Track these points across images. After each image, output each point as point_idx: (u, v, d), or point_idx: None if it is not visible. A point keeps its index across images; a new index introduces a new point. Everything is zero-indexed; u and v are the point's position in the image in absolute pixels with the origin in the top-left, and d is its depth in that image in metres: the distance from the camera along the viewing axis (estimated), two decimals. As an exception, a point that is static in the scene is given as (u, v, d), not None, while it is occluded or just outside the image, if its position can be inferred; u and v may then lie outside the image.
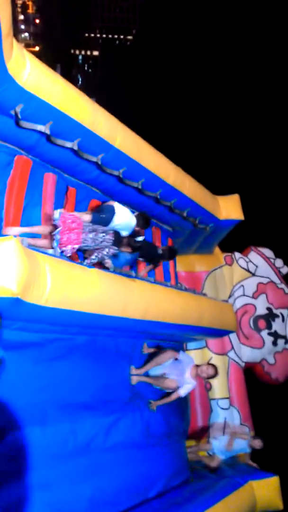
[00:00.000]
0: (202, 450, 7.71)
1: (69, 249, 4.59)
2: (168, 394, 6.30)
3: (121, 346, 5.96)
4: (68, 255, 4.59)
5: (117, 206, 5.66)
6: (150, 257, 6.76)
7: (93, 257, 5.00)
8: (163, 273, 7.67)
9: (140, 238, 6.26)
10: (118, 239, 5.25)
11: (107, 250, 5.07)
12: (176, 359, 6.22)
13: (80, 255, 5.53)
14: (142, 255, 6.46)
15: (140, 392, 6.17)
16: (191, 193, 7.13)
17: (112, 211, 5.54)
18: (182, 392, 6.00)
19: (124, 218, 5.71)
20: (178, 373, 6.07)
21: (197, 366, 6.18)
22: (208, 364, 6.32)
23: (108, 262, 5.38)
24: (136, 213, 6.09)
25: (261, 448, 7.54)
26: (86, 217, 5.13)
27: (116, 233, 5.31)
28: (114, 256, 5.56)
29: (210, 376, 6.12)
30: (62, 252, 4.57)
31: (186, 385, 6.00)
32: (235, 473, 7.43)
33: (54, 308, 3.74)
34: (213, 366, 6.16)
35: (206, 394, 8.39)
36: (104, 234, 5.00)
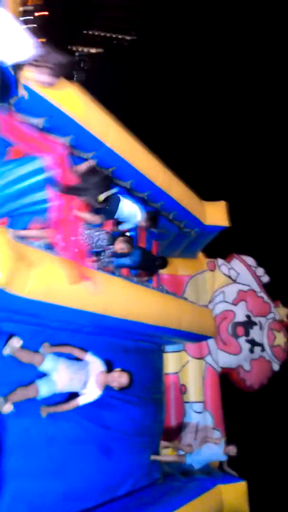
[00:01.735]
0: (175, 448, 7.66)
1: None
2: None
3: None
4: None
5: (121, 196, 5.84)
6: (148, 268, 6.90)
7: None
8: (130, 269, 7.66)
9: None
10: (112, 238, 5.60)
11: (105, 252, 5.44)
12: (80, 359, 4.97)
13: None
14: (141, 265, 6.58)
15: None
16: (179, 197, 7.19)
17: (117, 201, 5.75)
18: (81, 401, 4.78)
19: (130, 208, 5.88)
20: (79, 378, 4.79)
21: (107, 373, 4.98)
22: (121, 371, 5.03)
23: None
24: (148, 210, 6.24)
25: (235, 455, 7.46)
26: (96, 219, 5.25)
27: (109, 234, 5.54)
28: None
29: (123, 386, 4.96)
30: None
31: (89, 394, 4.80)
32: (204, 477, 7.51)
33: (36, 301, 3.75)
34: (127, 373, 5.02)
35: (180, 396, 8.45)
36: (98, 233, 5.31)
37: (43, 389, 4.50)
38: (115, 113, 5.66)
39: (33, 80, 3.42)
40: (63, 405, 4.77)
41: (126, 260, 6.19)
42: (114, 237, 5.82)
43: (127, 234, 6.37)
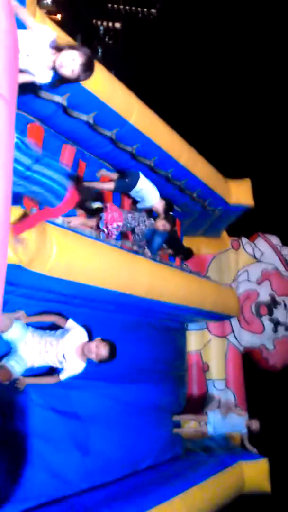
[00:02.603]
0: (197, 420, 7.68)
1: (114, 227, 5.29)
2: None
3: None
4: (115, 234, 5.32)
5: (141, 174, 5.90)
6: (176, 248, 7.01)
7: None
8: (169, 255, 7.70)
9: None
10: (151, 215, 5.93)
11: (143, 224, 5.68)
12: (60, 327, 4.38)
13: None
14: (171, 243, 6.73)
15: (138, 365, 6.28)
16: (203, 175, 7.11)
17: (137, 176, 5.88)
18: (62, 376, 4.21)
19: (147, 187, 6.00)
20: (55, 350, 4.17)
21: (87, 343, 4.27)
22: (101, 340, 4.24)
23: (148, 253, 5.80)
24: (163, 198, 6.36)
25: (257, 430, 7.41)
26: (110, 186, 5.83)
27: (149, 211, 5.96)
28: (148, 243, 6.11)
29: (101, 359, 4.22)
30: (108, 233, 5.29)
31: (70, 368, 4.20)
32: (226, 453, 7.59)
33: (57, 278, 3.79)
34: (107, 343, 4.24)
35: (203, 374, 8.50)
36: (139, 212, 5.75)
37: (16, 368, 3.97)
38: (139, 89, 5.59)
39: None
40: (44, 378, 4.32)
41: (159, 240, 6.40)
42: (154, 216, 6.15)
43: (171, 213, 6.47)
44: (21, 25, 2.94)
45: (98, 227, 5.39)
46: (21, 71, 3.08)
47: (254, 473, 7.44)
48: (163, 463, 6.54)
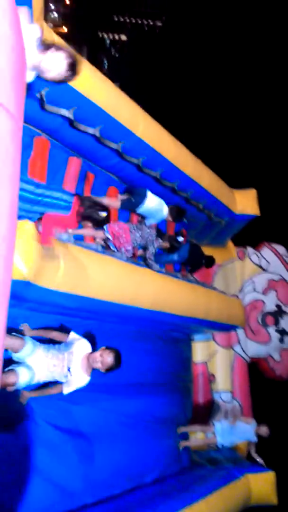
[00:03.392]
0: (204, 431, 7.58)
1: (123, 251, 5.52)
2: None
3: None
4: (129, 255, 5.58)
5: (149, 192, 5.96)
6: (193, 265, 7.12)
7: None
8: (173, 264, 7.71)
9: (180, 239, 6.76)
10: (160, 233, 6.07)
11: (153, 247, 5.87)
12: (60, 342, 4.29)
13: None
14: (188, 261, 6.88)
15: (143, 377, 6.25)
16: (208, 185, 7.13)
17: (143, 195, 6.03)
18: (66, 390, 4.10)
19: (154, 204, 6.09)
20: (61, 364, 4.08)
21: (91, 353, 4.20)
22: (105, 349, 4.17)
23: (155, 266, 5.91)
24: (170, 205, 6.40)
25: (267, 435, 7.27)
26: (116, 203, 5.97)
27: (157, 228, 6.07)
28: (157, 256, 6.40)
29: (108, 367, 4.13)
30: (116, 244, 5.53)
31: (74, 381, 4.08)
32: (232, 466, 7.52)
33: (65, 293, 3.80)
34: (111, 351, 4.17)
35: (209, 385, 8.46)
36: (149, 230, 5.85)
37: (23, 376, 3.86)
38: (144, 101, 5.63)
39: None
40: (47, 389, 4.23)
41: (174, 256, 6.74)
42: (161, 233, 6.29)
43: (180, 236, 6.91)
44: None
45: (106, 240, 5.47)
46: None
47: (261, 485, 7.36)
48: (169, 476, 6.49)
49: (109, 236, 5.47)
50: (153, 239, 5.91)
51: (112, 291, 4.41)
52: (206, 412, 8.32)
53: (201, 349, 8.53)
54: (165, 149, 5.95)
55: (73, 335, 4.23)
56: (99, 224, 4.96)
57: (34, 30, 3.00)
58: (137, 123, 5.32)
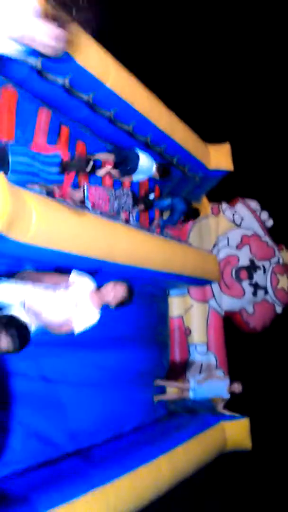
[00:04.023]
0: (180, 387, 7.79)
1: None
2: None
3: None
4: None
5: (140, 152, 6.27)
6: (188, 215, 7.76)
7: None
8: (148, 220, 7.70)
9: (151, 196, 6.91)
10: (135, 200, 6.24)
11: (132, 214, 6.28)
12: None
13: None
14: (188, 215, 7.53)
15: (121, 331, 6.34)
16: (182, 140, 7.03)
17: (137, 158, 6.19)
18: (77, 328, 3.76)
19: (146, 163, 6.34)
20: (67, 305, 3.72)
21: (100, 289, 3.92)
22: (115, 282, 3.90)
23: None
24: (157, 162, 6.50)
25: (240, 392, 7.51)
26: (116, 173, 6.23)
27: (134, 194, 6.27)
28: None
29: (121, 300, 3.87)
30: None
31: (84, 318, 3.77)
32: (208, 414, 7.81)
33: (38, 247, 3.74)
34: (125, 284, 3.93)
35: (185, 339, 8.64)
36: (126, 198, 6.04)
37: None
38: (115, 51, 5.42)
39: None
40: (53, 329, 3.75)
41: (176, 215, 7.45)
42: (136, 196, 6.50)
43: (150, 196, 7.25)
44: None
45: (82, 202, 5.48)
46: None
47: (236, 432, 7.69)
48: (148, 425, 6.71)
49: (89, 205, 5.51)
50: (129, 208, 6.14)
51: (86, 245, 4.38)
52: (182, 366, 8.53)
53: (177, 304, 8.65)
54: (137, 101, 5.81)
55: (74, 274, 3.94)
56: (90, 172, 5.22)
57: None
58: (107, 72, 5.15)
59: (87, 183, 5.71)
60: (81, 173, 5.17)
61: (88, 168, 5.04)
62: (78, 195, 5.44)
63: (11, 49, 2.91)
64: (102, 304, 3.86)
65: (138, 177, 6.51)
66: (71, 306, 3.70)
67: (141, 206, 6.69)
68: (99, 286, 3.87)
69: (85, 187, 5.51)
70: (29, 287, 3.68)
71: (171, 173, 7.06)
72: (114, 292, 3.82)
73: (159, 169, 6.59)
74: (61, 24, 2.91)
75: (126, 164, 6.19)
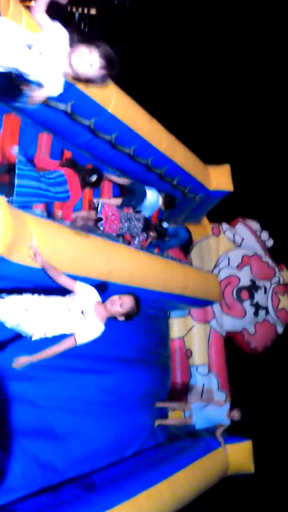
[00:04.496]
0: (181, 409, 7.69)
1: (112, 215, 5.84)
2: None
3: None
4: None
5: (147, 190, 6.59)
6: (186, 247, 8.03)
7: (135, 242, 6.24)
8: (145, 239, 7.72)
9: (165, 225, 7.03)
10: (147, 226, 6.38)
11: (138, 238, 6.25)
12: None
13: None
14: (188, 242, 7.27)
15: (122, 353, 6.30)
16: (183, 162, 7.10)
17: (143, 194, 6.49)
18: (80, 340, 3.60)
19: (152, 200, 6.62)
20: (72, 312, 3.62)
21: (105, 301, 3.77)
22: (122, 293, 3.79)
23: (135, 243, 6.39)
24: (163, 193, 6.97)
25: (239, 419, 7.30)
26: (117, 202, 6.34)
27: (146, 220, 6.38)
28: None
29: (129, 312, 3.74)
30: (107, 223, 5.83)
31: (89, 329, 3.63)
32: (210, 437, 7.71)
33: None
34: (132, 295, 3.81)
35: (186, 360, 8.60)
36: (136, 222, 6.13)
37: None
38: (116, 76, 5.51)
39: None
40: (50, 349, 3.57)
41: (175, 241, 7.48)
42: (149, 223, 6.68)
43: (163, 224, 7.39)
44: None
45: (97, 221, 5.72)
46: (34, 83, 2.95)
47: (238, 455, 7.59)
48: (149, 449, 6.62)
49: (102, 217, 5.72)
50: (138, 232, 6.21)
51: (87, 266, 4.40)
52: (183, 388, 8.47)
53: (178, 325, 8.63)
54: (138, 125, 5.89)
55: (80, 283, 3.77)
56: (89, 185, 5.31)
57: (61, 30, 2.88)
58: (109, 98, 5.24)
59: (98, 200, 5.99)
60: (86, 183, 5.22)
61: (93, 179, 5.23)
62: (94, 213, 5.72)
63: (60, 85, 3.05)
64: (107, 316, 3.74)
65: (145, 213, 6.73)
66: (76, 316, 3.61)
67: (153, 234, 6.80)
68: (103, 301, 3.78)
69: (100, 202, 5.83)
70: (34, 297, 3.58)
71: (176, 205, 7.21)
72: (121, 302, 3.69)
73: (165, 200, 6.93)
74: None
75: (131, 198, 6.49)
